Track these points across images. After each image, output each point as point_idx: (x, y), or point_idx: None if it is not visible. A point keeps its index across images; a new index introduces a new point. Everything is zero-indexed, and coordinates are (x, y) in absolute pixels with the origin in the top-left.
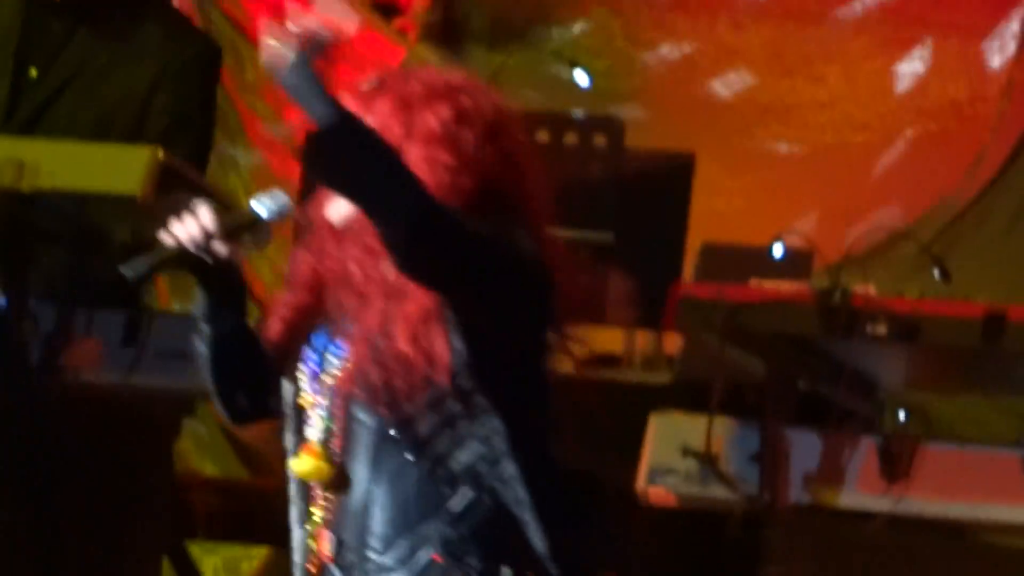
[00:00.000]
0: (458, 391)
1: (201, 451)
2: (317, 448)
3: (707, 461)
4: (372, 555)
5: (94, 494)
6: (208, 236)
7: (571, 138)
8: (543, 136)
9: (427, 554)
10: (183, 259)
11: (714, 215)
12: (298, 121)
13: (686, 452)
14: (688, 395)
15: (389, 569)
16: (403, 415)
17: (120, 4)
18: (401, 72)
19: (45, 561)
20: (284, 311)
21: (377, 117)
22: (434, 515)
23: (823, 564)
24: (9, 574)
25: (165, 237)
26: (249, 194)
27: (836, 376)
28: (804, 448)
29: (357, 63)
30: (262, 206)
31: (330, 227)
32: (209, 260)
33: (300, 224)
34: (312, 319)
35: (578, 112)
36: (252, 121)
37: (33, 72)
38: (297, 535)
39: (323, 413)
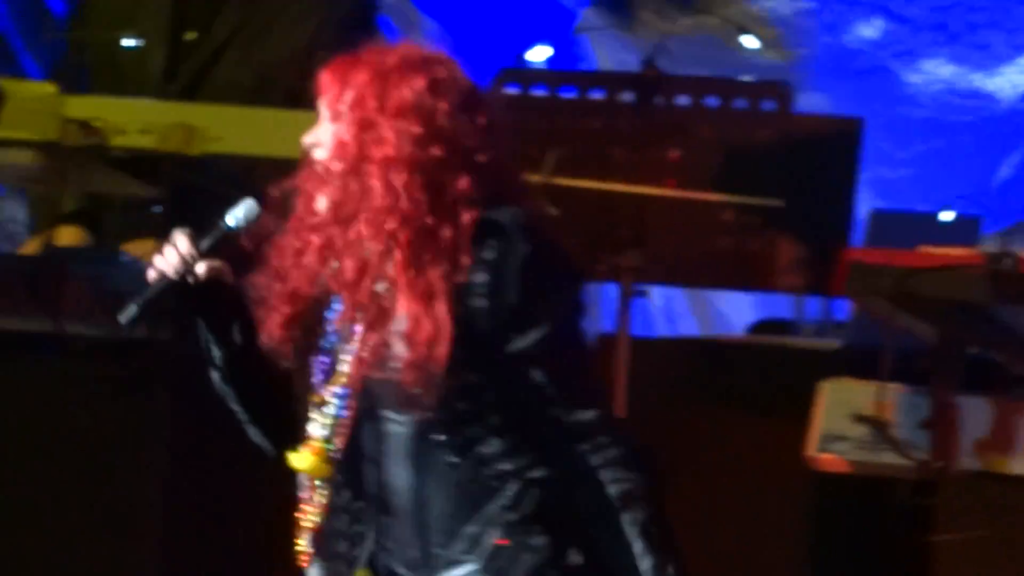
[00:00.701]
0: (485, 391)
1: None
2: (318, 445)
3: (878, 427)
4: (437, 550)
5: None
6: (187, 261)
7: (740, 102)
8: (712, 100)
9: (492, 539)
10: (170, 289)
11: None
12: None
13: (857, 418)
14: (858, 361)
15: (458, 561)
16: (434, 417)
17: None
18: (380, 45)
19: None
20: (280, 305)
21: (354, 89)
22: (491, 502)
23: (993, 530)
24: None
25: (149, 273)
26: None
27: (1006, 341)
28: (974, 414)
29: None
30: (232, 217)
31: (330, 221)
32: (194, 283)
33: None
34: (311, 309)
35: (747, 76)
36: None
37: (191, 35)
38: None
39: (331, 411)
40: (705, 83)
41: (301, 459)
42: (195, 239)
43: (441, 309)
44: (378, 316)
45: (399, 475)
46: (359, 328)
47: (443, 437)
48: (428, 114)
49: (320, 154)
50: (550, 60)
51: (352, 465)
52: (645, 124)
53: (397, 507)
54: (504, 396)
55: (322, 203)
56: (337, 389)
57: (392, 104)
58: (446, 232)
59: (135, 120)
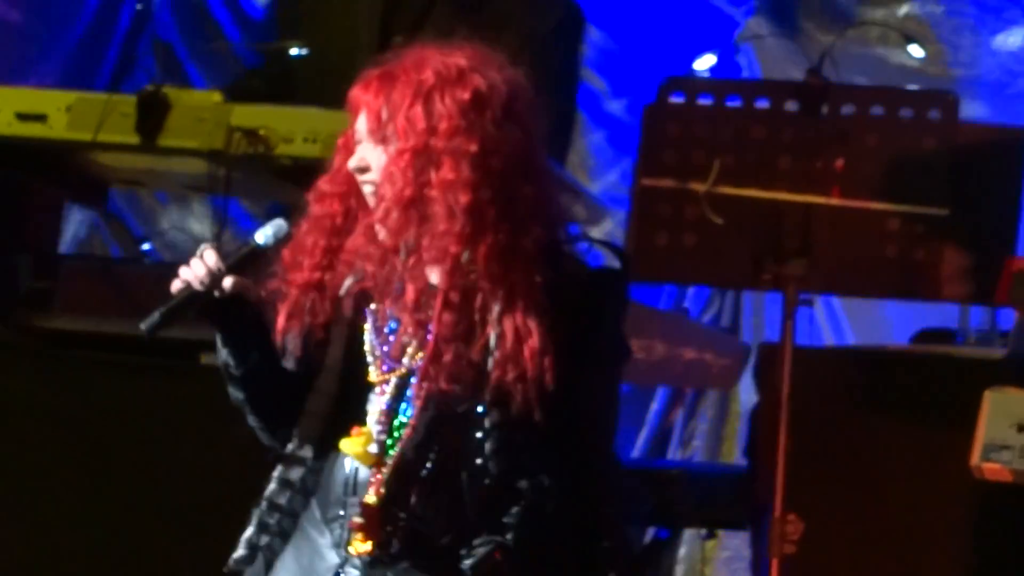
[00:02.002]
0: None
1: None
2: (369, 431)
3: None
4: (443, 541)
5: None
6: (214, 275)
7: (906, 111)
8: (877, 109)
9: (483, 550)
10: (194, 302)
11: None
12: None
13: (1021, 428)
14: (1023, 371)
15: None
16: (484, 417)
17: None
18: (410, 59)
19: None
20: (292, 301)
21: (399, 112)
22: (503, 513)
23: None
24: None
25: (174, 284)
26: (586, 169)
27: None
28: None
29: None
30: (262, 235)
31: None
32: (218, 297)
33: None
34: (322, 306)
35: (912, 85)
36: (585, 94)
37: (399, 39)
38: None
39: (387, 397)
40: (871, 92)
41: (352, 444)
42: (223, 254)
43: (535, 320)
44: (454, 334)
45: (439, 461)
46: (430, 339)
47: (476, 435)
48: (479, 129)
49: (369, 178)
50: (713, 69)
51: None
52: (810, 133)
53: (431, 492)
54: (550, 414)
55: (380, 233)
56: (394, 380)
57: (442, 125)
58: (526, 244)
59: (301, 128)
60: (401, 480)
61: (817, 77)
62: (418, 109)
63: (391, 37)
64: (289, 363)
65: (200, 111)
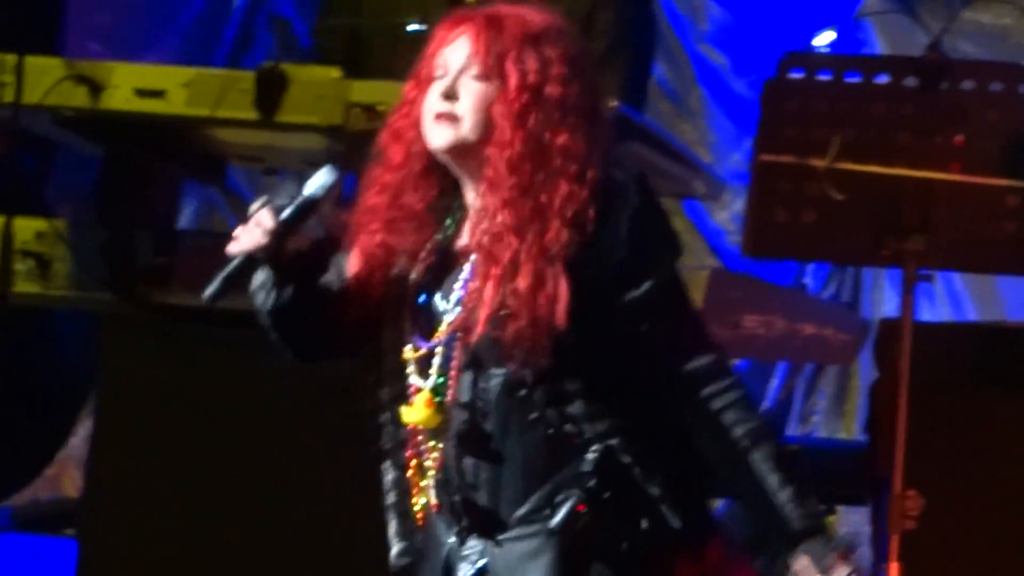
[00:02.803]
0: (579, 350)
1: None
2: (429, 396)
3: None
4: (506, 506)
5: None
6: (272, 235)
7: None
8: (996, 85)
9: (567, 503)
10: (253, 264)
11: None
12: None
13: None
14: None
15: (528, 521)
16: (528, 372)
17: None
18: (504, 7)
19: None
20: (367, 245)
21: (510, 50)
22: (569, 465)
23: None
24: None
25: (232, 248)
26: (707, 145)
27: None
28: None
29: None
30: (312, 187)
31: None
32: (277, 257)
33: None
34: (394, 256)
35: None
36: (706, 70)
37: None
38: (393, 494)
39: (439, 361)
40: (990, 67)
41: (414, 412)
42: (277, 212)
43: (559, 267)
44: (502, 275)
45: (487, 426)
46: (477, 284)
47: (524, 392)
48: (581, 76)
49: (451, 109)
50: (833, 45)
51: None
52: (930, 109)
53: (474, 461)
54: (596, 356)
55: (516, 169)
56: (442, 340)
57: (554, 71)
58: (582, 192)
59: None
60: (457, 447)
61: (937, 52)
62: (530, 52)
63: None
64: (334, 286)
65: (319, 87)
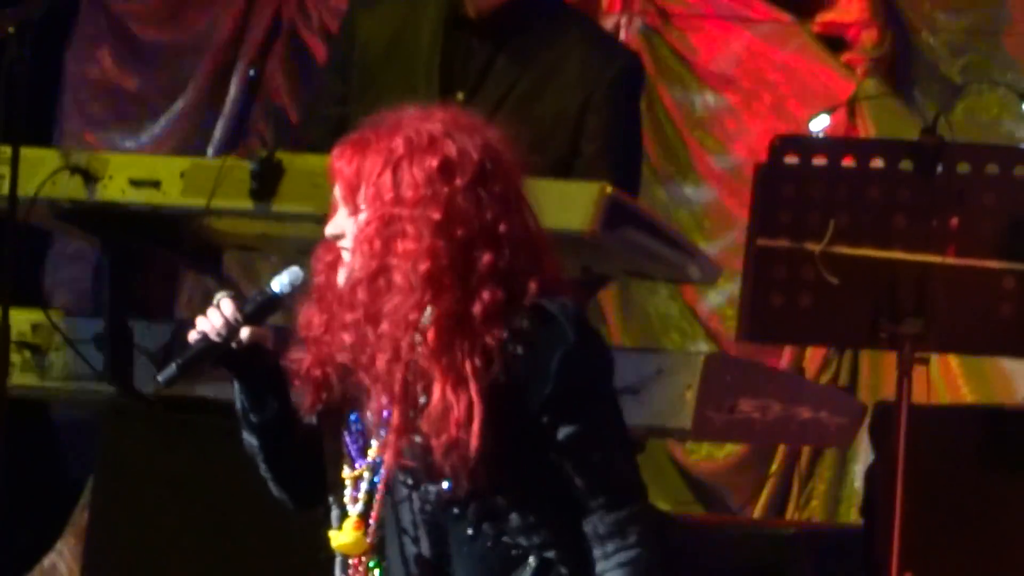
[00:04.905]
0: (508, 467)
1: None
2: (358, 521)
3: None
4: None
5: None
6: (231, 325)
7: (1021, 170)
8: (992, 169)
9: None
10: (211, 352)
11: None
12: (745, 154)
13: None
14: None
15: None
16: (458, 489)
17: (540, 22)
18: (386, 125)
19: None
20: (312, 372)
21: (368, 182)
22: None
23: None
24: None
25: (191, 335)
26: (702, 230)
27: None
28: None
29: (806, 96)
30: (278, 283)
31: (339, 292)
32: (236, 348)
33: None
34: (341, 378)
35: None
36: (701, 156)
37: (460, 96)
38: None
39: (365, 486)
40: (986, 150)
41: (343, 536)
42: (240, 304)
43: (473, 390)
44: (410, 403)
45: (424, 547)
46: (389, 413)
47: (457, 510)
48: (445, 197)
49: (346, 244)
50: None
51: (388, 539)
52: (925, 192)
53: (429, 574)
54: (527, 473)
55: (357, 295)
56: (370, 462)
57: (408, 194)
58: (476, 309)
59: None
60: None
61: (932, 136)
62: (386, 178)
63: (453, 94)
64: (309, 419)
65: (315, 175)
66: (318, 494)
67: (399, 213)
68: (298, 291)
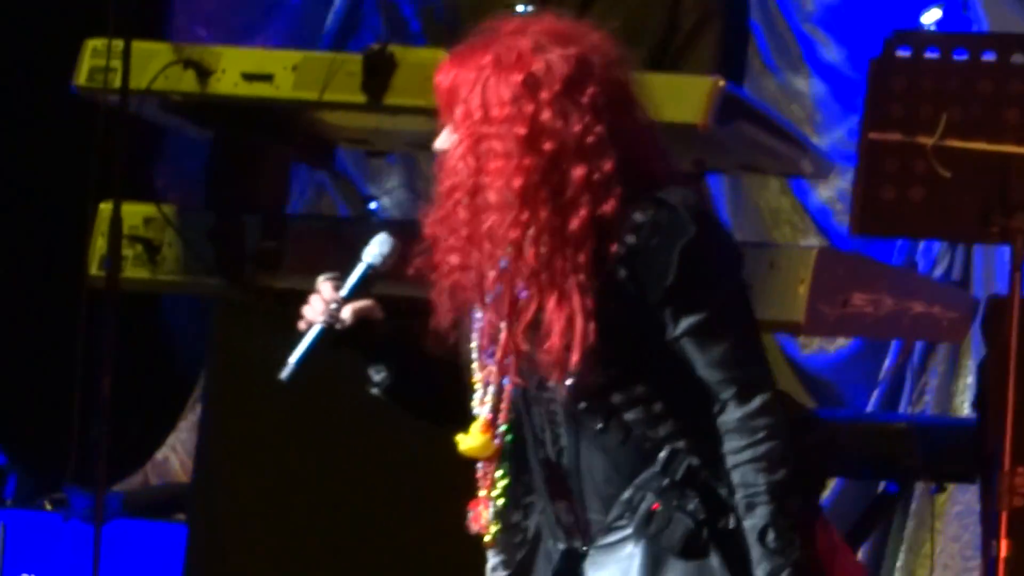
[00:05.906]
0: (632, 360)
1: None
2: (485, 424)
3: None
4: (593, 515)
5: None
6: (335, 306)
7: None
8: None
9: (647, 505)
10: (322, 339)
11: None
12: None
13: None
14: None
15: (614, 528)
16: (583, 385)
17: None
18: (481, 39)
19: None
20: (443, 292)
21: (460, 100)
22: (643, 468)
23: None
24: None
25: (301, 326)
26: (813, 124)
27: None
28: None
29: None
30: (370, 255)
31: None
32: (345, 327)
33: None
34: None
35: None
36: (812, 49)
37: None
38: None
39: (494, 389)
40: None
41: (470, 439)
42: (338, 284)
43: (576, 304)
44: (518, 319)
45: (557, 444)
46: (500, 330)
47: (584, 405)
48: (530, 112)
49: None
50: (940, 23)
51: (518, 438)
52: None
53: (557, 475)
54: (651, 366)
55: (458, 215)
56: (497, 364)
57: (495, 112)
58: (574, 224)
59: None
60: (514, 471)
61: None
62: (476, 96)
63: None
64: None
65: (426, 69)
66: (459, 414)
67: (488, 131)
68: (391, 258)
